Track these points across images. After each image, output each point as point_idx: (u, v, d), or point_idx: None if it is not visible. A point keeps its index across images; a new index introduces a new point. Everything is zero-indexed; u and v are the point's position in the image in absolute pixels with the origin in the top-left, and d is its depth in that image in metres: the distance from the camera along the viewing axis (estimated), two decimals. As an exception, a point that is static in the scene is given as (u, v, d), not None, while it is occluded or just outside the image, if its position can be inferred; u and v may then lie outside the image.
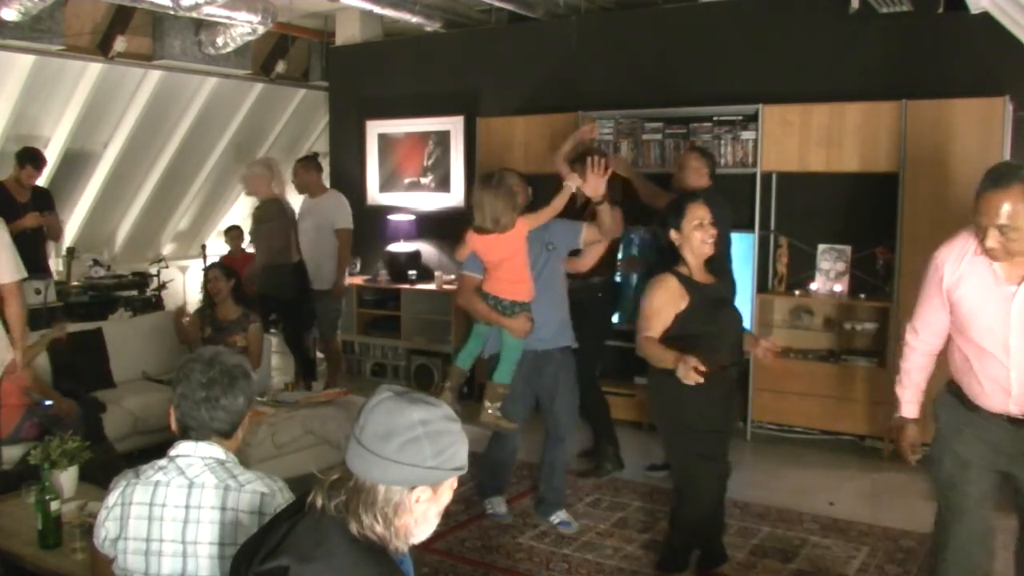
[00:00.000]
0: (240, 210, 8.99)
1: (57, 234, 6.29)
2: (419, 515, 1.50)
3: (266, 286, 5.88)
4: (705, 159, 4.66)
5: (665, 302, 3.26)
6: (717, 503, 3.54)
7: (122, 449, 4.48)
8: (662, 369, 3.19)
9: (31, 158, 5.84)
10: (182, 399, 2.03)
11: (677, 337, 3.23)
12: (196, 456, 2.00)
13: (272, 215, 5.88)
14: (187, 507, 1.96)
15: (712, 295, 3.35)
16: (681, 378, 3.04)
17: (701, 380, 3.01)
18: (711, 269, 3.42)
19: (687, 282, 3.28)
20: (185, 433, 2.05)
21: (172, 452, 2.03)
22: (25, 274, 3.82)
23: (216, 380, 2.02)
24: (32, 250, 5.84)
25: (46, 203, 6.05)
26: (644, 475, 4.82)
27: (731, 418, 3.57)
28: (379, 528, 1.47)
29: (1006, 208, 2.35)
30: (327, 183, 7.99)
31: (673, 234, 3.33)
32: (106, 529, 2.01)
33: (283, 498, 1.99)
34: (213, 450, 2.02)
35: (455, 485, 1.54)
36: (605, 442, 4.85)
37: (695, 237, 3.30)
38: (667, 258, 3.42)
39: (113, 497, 2.02)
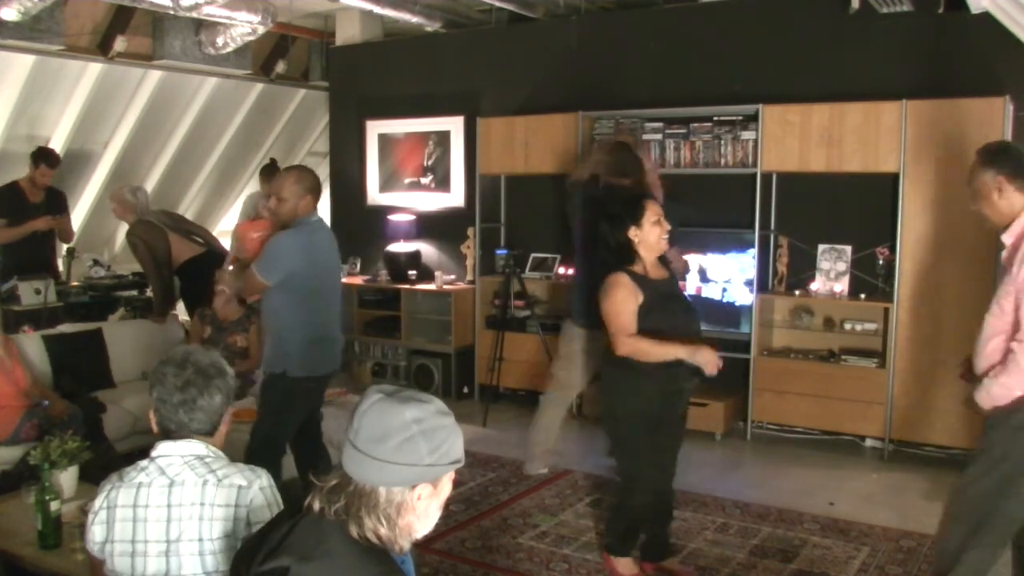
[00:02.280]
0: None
1: (69, 236, 6.34)
2: (421, 512, 1.50)
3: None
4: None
5: (625, 297, 3.31)
6: (663, 494, 3.61)
7: (122, 449, 4.47)
8: (619, 362, 3.32)
9: (44, 157, 5.90)
10: (160, 403, 2.04)
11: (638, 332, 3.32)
12: (176, 455, 2.02)
13: (140, 238, 5.72)
14: (169, 506, 1.97)
15: (664, 290, 3.42)
16: (704, 365, 3.24)
17: (719, 368, 3.25)
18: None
19: (639, 279, 3.35)
20: (167, 434, 2.06)
21: (153, 453, 2.04)
22: None
23: (191, 382, 2.03)
24: (42, 251, 5.92)
25: (59, 204, 6.10)
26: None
27: (683, 413, 3.60)
28: (383, 530, 1.47)
29: (970, 175, 2.89)
30: (327, 183, 8.04)
31: (632, 230, 3.37)
32: (93, 533, 2.03)
33: (258, 488, 2.00)
34: (193, 447, 2.03)
35: (454, 477, 1.55)
36: None
37: (653, 234, 3.37)
38: (618, 256, 3.42)
39: (99, 501, 2.03)
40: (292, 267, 3.61)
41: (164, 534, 1.96)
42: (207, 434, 2.06)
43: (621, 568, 3.61)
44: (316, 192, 3.73)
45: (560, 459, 4.98)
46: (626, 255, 3.38)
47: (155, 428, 2.08)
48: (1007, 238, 2.85)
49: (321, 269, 3.73)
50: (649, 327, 3.30)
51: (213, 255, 5.66)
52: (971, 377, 2.93)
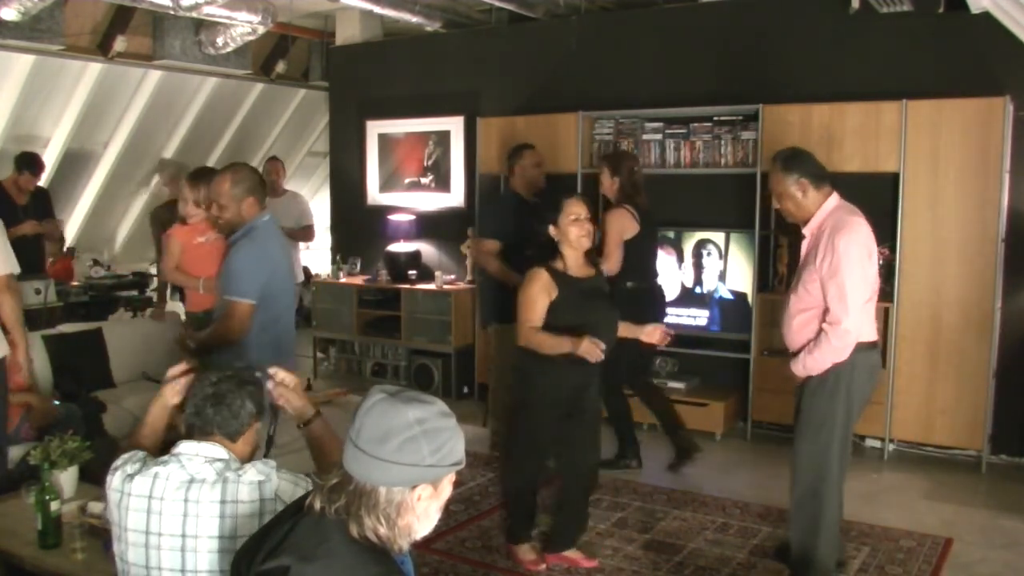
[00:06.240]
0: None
1: (56, 236, 6.34)
2: (421, 512, 1.50)
3: None
4: (605, 164, 4.83)
5: (537, 293, 3.42)
6: (580, 480, 3.72)
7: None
8: (532, 352, 3.43)
9: (29, 164, 5.88)
10: (192, 399, 2.10)
11: (550, 328, 3.41)
12: (198, 454, 2.02)
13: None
14: (186, 501, 1.96)
15: (586, 288, 3.51)
16: (586, 355, 3.32)
17: (602, 356, 3.33)
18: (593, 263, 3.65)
19: (558, 275, 3.44)
20: (189, 432, 2.09)
21: (175, 450, 2.05)
22: (17, 269, 3.80)
23: (225, 381, 2.10)
24: (31, 253, 5.89)
25: (44, 205, 6.06)
26: (650, 475, 4.81)
27: (588, 407, 3.66)
28: (383, 530, 1.47)
29: (772, 179, 3.37)
30: (327, 183, 8.09)
31: (552, 229, 3.46)
32: (110, 509, 2.04)
33: (277, 478, 2.01)
34: (215, 450, 2.04)
35: (454, 478, 1.55)
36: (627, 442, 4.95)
37: (572, 232, 3.44)
38: (543, 253, 3.50)
39: (116, 481, 2.03)
40: (263, 279, 3.33)
41: (180, 528, 1.95)
42: (229, 436, 2.08)
43: (521, 554, 3.70)
44: (258, 191, 3.39)
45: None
46: (551, 252, 3.48)
47: (183, 428, 2.12)
48: (807, 231, 3.31)
49: (280, 275, 3.48)
50: (562, 323, 3.40)
51: None
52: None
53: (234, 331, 3.27)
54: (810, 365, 3.26)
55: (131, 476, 2.02)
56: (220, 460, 2.02)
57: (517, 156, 5.03)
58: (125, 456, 2.09)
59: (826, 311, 3.20)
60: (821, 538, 3.32)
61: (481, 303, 5.15)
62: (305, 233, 6.76)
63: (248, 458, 2.13)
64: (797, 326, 3.30)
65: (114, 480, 2.04)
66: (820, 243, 3.22)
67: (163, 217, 5.72)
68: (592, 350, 3.33)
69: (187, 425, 2.09)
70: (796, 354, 3.32)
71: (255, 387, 2.13)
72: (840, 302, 3.15)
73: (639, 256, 4.67)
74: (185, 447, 2.04)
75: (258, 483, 1.99)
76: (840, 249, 3.14)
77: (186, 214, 4.63)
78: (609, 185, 4.74)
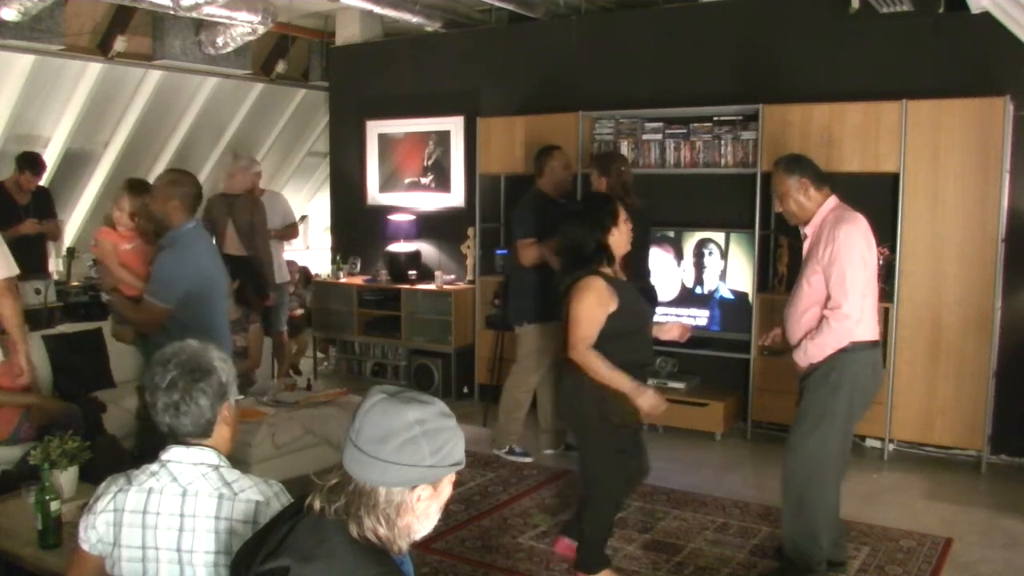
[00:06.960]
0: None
1: (57, 236, 6.34)
2: (421, 513, 1.50)
3: None
4: (594, 165, 4.88)
5: (598, 304, 3.25)
6: (626, 495, 3.71)
7: (122, 449, 4.46)
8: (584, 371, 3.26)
9: (30, 164, 5.90)
10: (151, 406, 1.99)
11: (608, 335, 3.26)
12: (188, 462, 1.96)
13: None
14: (182, 515, 1.92)
15: (631, 289, 3.45)
16: (647, 409, 3.25)
17: (664, 408, 3.29)
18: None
19: (613, 282, 3.32)
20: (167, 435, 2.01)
21: (164, 456, 1.99)
22: (16, 271, 3.80)
23: (174, 384, 1.97)
24: (33, 252, 5.90)
25: (46, 204, 6.07)
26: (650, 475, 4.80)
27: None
28: (382, 530, 1.47)
29: (775, 181, 3.48)
30: (327, 183, 8.05)
31: (613, 232, 3.37)
32: (97, 532, 1.96)
33: (279, 504, 1.94)
34: (205, 455, 1.98)
35: (454, 479, 1.54)
36: None
37: (625, 233, 3.41)
38: (592, 259, 3.35)
39: (104, 502, 1.97)
40: (186, 285, 3.57)
41: (176, 543, 1.92)
42: (201, 436, 2.00)
43: None
44: (188, 200, 3.63)
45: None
46: (601, 257, 3.35)
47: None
48: (808, 230, 3.43)
49: (205, 277, 3.68)
50: (621, 329, 3.28)
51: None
52: (783, 346, 3.58)
53: (149, 326, 3.70)
54: (811, 351, 3.35)
55: (123, 491, 1.97)
56: (209, 465, 1.96)
57: (547, 157, 5.04)
58: (103, 486, 2.02)
59: (828, 299, 3.30)
60: (812, 533, 3.35)
61: (515, 302, 5.02)
62: (290, 231, 6.75)
63: (233, 435, 2.07)
64: (807, 321, 3.39)
65: (100, 504, 1.98)
66: (821, 237, 3.33)
67: (217, 206, 5.96)
68: (655, 405, 3.23)
69: (162, 432, 2.01)
70: (798, 345, 3.41)
71: (205, 379, 1.98)
72: (840, 286, 3.25)
73: (634, 256, 4.66)
74: (174, 453, 1.98)
75: (255, 503, 1.93)
76: (840, 238, 3.26)
77: (118, 221, 4.61)
78: (598, 186, 4.72)
